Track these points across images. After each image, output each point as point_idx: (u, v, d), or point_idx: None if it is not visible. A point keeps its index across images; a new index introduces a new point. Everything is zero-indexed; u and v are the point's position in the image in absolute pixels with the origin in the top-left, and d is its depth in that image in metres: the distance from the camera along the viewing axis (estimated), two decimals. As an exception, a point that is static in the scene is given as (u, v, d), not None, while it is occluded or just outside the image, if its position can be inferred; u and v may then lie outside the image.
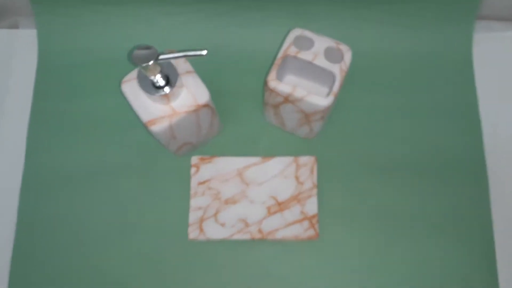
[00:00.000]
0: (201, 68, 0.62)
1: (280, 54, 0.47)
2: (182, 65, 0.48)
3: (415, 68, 0.61)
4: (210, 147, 0.59)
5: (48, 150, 0.59)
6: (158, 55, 0.42)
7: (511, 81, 0.61)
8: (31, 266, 0.55)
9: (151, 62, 0.41)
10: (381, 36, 0.61)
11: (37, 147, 0.59)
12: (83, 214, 0.57)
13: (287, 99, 0.48)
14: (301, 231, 0.55)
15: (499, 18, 0.63)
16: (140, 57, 0.41)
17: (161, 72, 0.44)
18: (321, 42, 0.47)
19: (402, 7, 0.59)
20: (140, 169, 0.58)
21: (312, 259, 0.55)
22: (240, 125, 0.60)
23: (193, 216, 0.56)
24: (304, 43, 0.48)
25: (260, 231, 0.55)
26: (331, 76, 0.49)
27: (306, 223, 0.56)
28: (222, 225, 0.56)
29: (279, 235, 0.55)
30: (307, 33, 0.47)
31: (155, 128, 0.47)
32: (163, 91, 0.45)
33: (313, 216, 0.56)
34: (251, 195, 0.57)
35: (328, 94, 0.47)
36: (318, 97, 0.46)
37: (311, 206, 0.56)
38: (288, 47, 0.47)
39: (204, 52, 0.42)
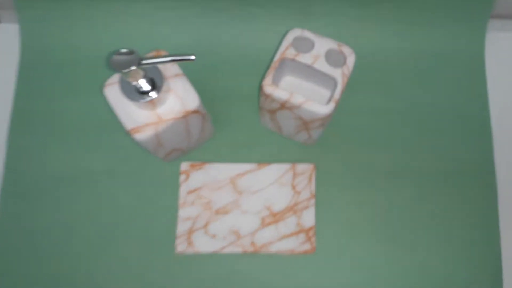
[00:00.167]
0: (193, 68, 0.58)
1: (277, 57, 0.43)
2: (169, 68, 0.44)
3: (421, 70, 0.57)
4: (201, 152, 0.55)
5: (29, 153, 0.55)
6: (140, 60, 0.37)
7: (524, 85, 0.57)
8: (11, 274, 0.51)
9: (132, 68, 0.37)
10: (386, 35, 0.57)
11: (18, 150, 0.55)
12: (65, 223, 0.53)
13: (284, 105, 0.44)
14: (297, 244, 0.52)
15: (514, 16, 0.59)
16: (119, 63, 0.37)
17: (145, 76, 0.40)
18: (322, 44, 0.43)
19: (409, 4, 0.54)
20: (126, 175, 0.54)
21: (308, 275, 0.51)
22: (234, 129, 0.55)
23: (181, 227, 0.52)
24: (303, 45, 0.43)
25: (253, 244, 0.52)
26: (332, 80, 0.45)
27: (302, 236, 0.52)
28: (213, 237, 0.52)
29: (273, 248, 0.52)
30: (307, 34, 0.43)
31: (140, 136, 0.43)
32: (148, 97, 0.41)
33: (310, 229, 0.52)
34: (244, 205, 0.53)
35: (329, 100, 0.43)
36: (318, 104, 0.42)
37: (308, 218, 0.52)
38: (286, 49, 0.43)
39: (193, 57, 0.38)
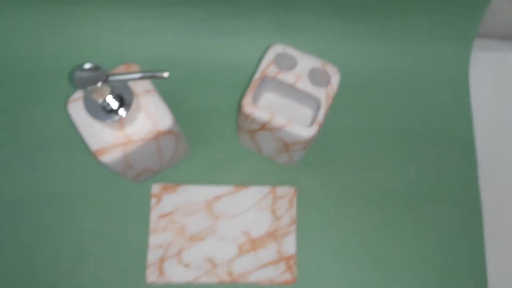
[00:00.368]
0: (166, 82, 0.54)
1: (257, 75, 0.40)
2: (140, 83, 0.41)
3: (406, 90, 0.55)
4: (175, 173, 0.51)
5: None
6: (107, 76, 0.34)
7: (510, 105, 0.56)
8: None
9: (98, 85, 0.33)
10: (371, 54, 0.55)
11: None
12: (23, 251, 0.48)
13: (265, 126, 0.41)
14: (277, 274, 0.48)
15: (500, 37, 0.57)
16: (83, 80, 0.33)
17: (112, 93, 0.36)
18: (306, 62, 0.40)
19: (394, 22, 0.53)
20: (91, 198, 0.50)
21: (289, 306, 0.48)
22: (211, 149, 0.52)
23: (152, 255, 0.48)
24: (285, 62, 0.41)
25: (230, 273, 0.48)
26: (315, 100, 0.43)
27: (282, 265, 0.49)
28: (186, 266, 0.48)
29: (252, 278, 0.48)
30: (290, 51, 0.40)
31: (106, 158, 0.39)
32: (116, 115, 0.37)
33: (291, 257, 0.49)
34: (221, 231, 0.49)
35: (312, 122, 0.40)
36: (300, 127, 0.39)
37: (289, 245, 0.49)
38: (267, 66, 0.40)
39: (166, 74, 0.35)
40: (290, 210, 0.50)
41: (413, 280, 0.49)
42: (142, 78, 0.35)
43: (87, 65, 0.34)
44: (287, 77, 0.40)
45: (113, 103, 0.37)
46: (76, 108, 0.40)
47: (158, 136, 0.40)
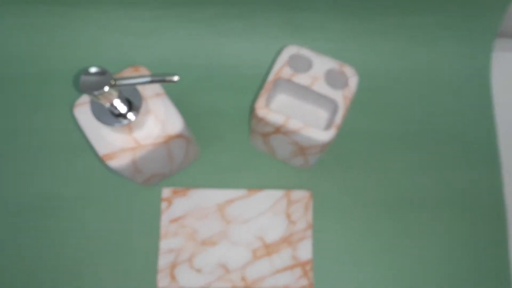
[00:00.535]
0: (177, 85, 0.52)
1: (271, 77, 0.38)
2: (149, 86, 0.39)
3: (425, 91, 0.53)
4: (185, 176, 0.50)
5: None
6: (114, 80, 0.32)
7: (536, 104, 0.53)
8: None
9: (105, 89, 0.32)
10: (387, 54, 0.52)
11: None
12: (30, 257, 0.47)
13: (279, 130, 0.39)
14: (293, 280, 0.47)
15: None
16: (89, 85, 0.32)
17: (120, 96, 0.35)
18: (321, 63, 0.38)
19: (412, 21, 0.50)
20: (99, 202, 0.49)
21: (304, 314, 0.47)
22: (222, 152, 0.50)
23: (163, 261, 0.47)
24: (300, 64, 0.39)
25: (243, 279, 0.47)
26: (332, 103, 0.40)
27: (298, 271, 0.47)
28: (198, 271, 0.47)
29: (266, 284, 0.47)
30: (305, 52, 0.38)
31: (114, 163, 0.38)
32: (124, 120, 0.36)
33: (307, 262, 0.47)
34: (234, 236, 0.48)
35: (328, 125, 0.39)
36: (317, 130, 0.38)
37: (305, 250, 0.48)
38: (281, 68, 0.38)
39: (176, 78, 0.33)
40: (306, 214, 0.48)
41: (432, 285, 0.47)
42: (151, 82, 0.34)
43: (93, 69, 0.32)
44: (303, 79, 0.38)
45: (121, 107, 0.35)
46: (83, 112, 0.39)
47: (168, 141, 0.39)
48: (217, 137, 0.51)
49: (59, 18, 0.50)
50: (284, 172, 0.50)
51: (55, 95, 0.52)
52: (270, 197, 0.49)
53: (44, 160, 0.50)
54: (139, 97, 0.36)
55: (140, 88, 0.39)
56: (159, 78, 0.34)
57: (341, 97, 0.38)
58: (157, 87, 0.39)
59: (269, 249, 0.48)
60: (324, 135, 0.38)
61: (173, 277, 0.47)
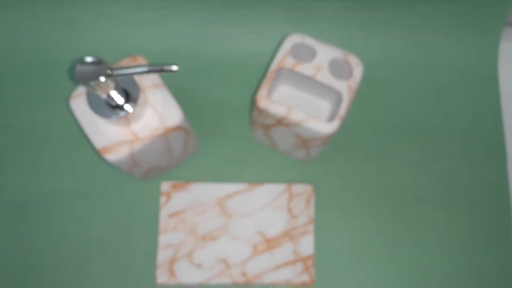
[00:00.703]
0: (176, 75, 0.51)
1: (273, 66, 0.37)
2: (147, 77, 0.38)
3: (431, 82, 0.52)
4: (185, 170, 0.49)
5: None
6: (110, 70, 0.31)
7: (542, 96, 0.52)
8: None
9: (100, 80, 0.31)
10: (393, 44, 0.51)
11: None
12: (30, 252, 0.46)
13: (281, 122, 0.38)
14: (294, 275, 0.46)
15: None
16: (85, 75, 0.30)
17: (117, 87, 0.34)
18: (326, 53, 0.37)
19: (417, 10, 0.49)
20: (98, 196, 0.48)
21: (306, 310, 0.46)
22: (222, 144, 0.49)
23: (162, 256, 0.46)
24: (303, 53, 0.37)
25: (244, 274, 0.46)
26: (336, 93, 0.39)
27: (299, 266, 0.46)
28: (198, 266, 0.46)
29: (267, 279, 0.46)
30: (308, 41, 0.37)
31: (111, 157, 0.37)
32: (121, 112, 0.34)
33: (309, 258, 0.46)
34: (234, 230, 0.47)
35: (332, 116, 0.37)
36: (320, 122, 0.36)
37: (306, 245, 0.47)
38: (284, 58, 0.37)
39: (175, 68, 0.32)
40: (308, 209, 0.47)
41: (435, 283, 0.47)
42: (148, 72, 0.33)
43: (89, 58, 0.31)
44: (306, 69, 0.37)
45: (118, 99, 0.34)
46: (79, 104, 0.37)
47: (167, 133, 0.38)
48: (218, 130, 0.49)
49: (60, 8, 0.49)
50: (285, 165, 0.49)
51: (53, 86, 0.50)
52: (271, 191, 0.48)
53: (41, 154, 0.49)
54: (137, 88, 0.35)
55: (138, 79, 0.38)
56: (157, 68, 0.33)
57: (346, 88, 0.37)
58: (155, 78, 0.38)
59: (270, 244, 0.47)
60: (327, 127, 0.37)
61: (172, 273, 0.46)
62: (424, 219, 0.48)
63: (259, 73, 0.51)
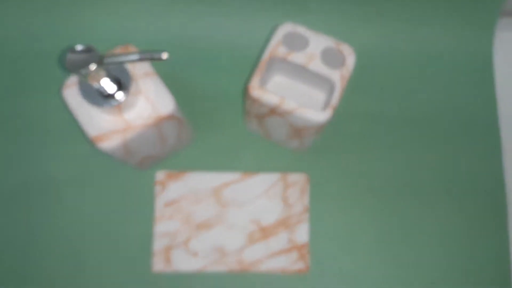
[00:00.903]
0: (168, 65, 0.51)
1: (265, 55, 0.37)
2: (138, 66, 0.38)
3: (425, 72, 0.51)
4: (180, 159, 0.49)
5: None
6: (101, 58, 0.31)
7: (540, 85, 0.52)
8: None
9: (91, 68, 0.31)
10: (387, 33, 0.50)
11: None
12: (25, 240, 0.47)
13: (274, 111, 0.38)
14: (289, 263, 0.46)
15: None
16: (75, 63, 0.30)
17: (109, 76, 0.34)
18: (318, 42, 0.37)
19: (413, 1, 0.48)
20: (93, 185, 0.48)
21: (300, 297, 0.46)
22: (217, 134, 0.49)
23: (158, 244, 0.46)
24: (296, 42, 0.37)
25: (239, 262, 0.46)
26: (328, 82, 0.39)
27: (294, 254, 0.46)
28: (194, 255, 0.46)
29: (263, 267, 0.46)
30: (300, 30, 0.37)
31: (104, 145, 0.37)
32: (113, 101, 0.35)
33: (303, 246, 0.47)
34: (230, 219, 0.47)
35: (325, 105, 0.37)
36: (312, 111, 0.36)
37: (301, 234, 0.47)
38: (276, 47, 0.37)
39: (165, 56, 0.32)
40: (302, 198, 0.47)
41: (428, 272, 0.47)
42: (139, 60, 0.33)
43: (79, 47, 0.31)
44: (298, 58, 0.37)
45: (110, 88, 0.34)
46: (72, 94, 0.37)
47: (159, 122, 0.38)
48: (212, 120, 0.50)
49: None
50: (280, 155, 0.49)
51: (46, 75, 0.50)
52: (266, 180, 0.48)
53: (36, 143, 0.49)
54: (129, 77, 0.35)
55: (129, 68, 0.38)
56: (147, 55, 0.33)
57: (338, 77, 0.37)
58: (147, 67, 0.38)
59: (265, 232, 0.47)
60: (319, 116, 0.37)
61: (168, 261, 0.46)
62: (418, 208, 0.48)
63: (251, 62, 0.51)
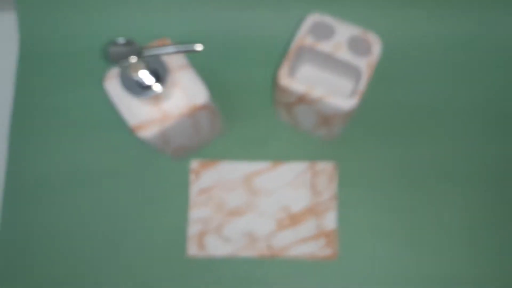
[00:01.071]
0: (201, 58, 0.53)
1: (294, 45, 0.39)
2: (174, 59, 0.40)
3: (456, 61, 0.51)
4: (213, 149, 0.51)
5: (31, 150, 0.52)
6: (140, 50, 0.34)
7: None
8: (12, 275, 0.49)
9: (131, 59, 0.33)
10: (415, 20, 0.51)
11: (20, 148, 0.52)
12: (68, 226, 0.50)
13: (302, 99, 0.40)
14: (317, 249, 0.48)
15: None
16: (117, 55, 0.33)
17: (147, 68, 0.36)
18: (344, 31, 0.38)
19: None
20: (130, 175, 0.51)
21: (329, 282, 0.47)
22: (248, 124, 0.51)
23: (192, 230, 0.49)
24: (323, 31, 0.39)
25: (269, 247, 0.48)
26: (355, 71, 0.41)
27: (322, 240, 0.48)
28: (226, 240, 0.49)
29: (291, 252, 0.48)
30: (327, 20, 0.38)
31: (144, 134, 0.40)
32: (152, 91, 0.37)
33: (331, 232, 0.48)
34: (260, 206, 0.49)
35: (352, 93, 0.39)
36: (340, 98, 0.38)
37: (329, 221, 0.48)
38: (304, 36, 0.39)
39: (199, 48, 0.34)
40: (330, 185, 0.49)
41: (456, 260, 0.47)
42: (176, 52, 0.35)
43: (120, 40, 0.34)
44: (325, 46, 0.38)
45: (149, 79, 0.37)
46: (113, 85, 0.40)
47: (194, 112, 0.40)
48: (242, 110, 0.52)
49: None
50: (308, 144, 0.50)
51: (85, 71, 0.54)
52: (295, 169, 0.50)
53: (76, 135, 0.52)
54: (166, 69, 0.38)
55: (166, 60, 0.40)
56: (183, 48, 0.35)
57: (364, 65, 0.38)
58: (182, 60, 0.40)
59: (294, 219, 0.49)
60: (346, 103, 0.38)
61: (201, 246, 0.48)
62: (446, 196, 0.49)
63: (279, 53, 0.52)
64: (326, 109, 0.40)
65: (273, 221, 0.49)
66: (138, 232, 0.49)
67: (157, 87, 0.37)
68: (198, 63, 0.53)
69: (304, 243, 0.48)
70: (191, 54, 0.53)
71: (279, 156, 0.50)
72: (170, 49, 0.35)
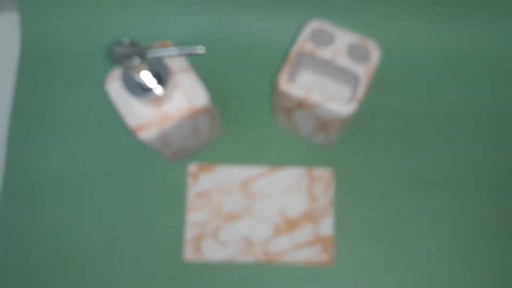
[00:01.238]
0: (202, 62, 0.54)
1: (294, 51, 0.39)
2: (176, 62, 0.41)
3: (452, 68, 0.52)
4: (211, 153, 0.51)
5: (31, 152, 0.52)
6: (144, 51, 0.34)
7: None
8: (9, 275, 0.49)
9: (135, 60, 0.34)
10: (413, 28, 0.52)
11: (19, 147, 0.52)
12: (65, 228, 0.50)
13: (301, 104, 0.40)
14: (313, 254, 0.48)
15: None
16: (121, 55, 0.34)
17: (149, 69, 0.37)
18: (344, 38, 0.39)
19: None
20: (129, 176, 0.51)
21: (325, 288, 0.48)
22: (246, 129, 0.52)
23: (189, 233, 0.49)
24: (323, 38, 0.40)
25: (266, 252, 0.48)
26: (354, 77, 0.41)
27: (319, 246, 0.48)
28: (222, 244, 0.49)
29: (288, 258, 0.48)
30: (327, 27, 0.39)
31: (144, 135, 0.40)
32: (153, 93, 0.38)
33: (328, 238, 0.48)
34: (257, 211, 0.49)
35: (350, 99, 0.39)
36: (338, 104, 0.38)
37: (326, 227, 0.49)
38: (304, 43, 0.39)
39: (202, 51, 0.35)
40: (327, 191, 0.49)
41: (453, 266, 0.47)
42: (178, 54, 0.35)
43: (125, 41, 0.34)
44: (325, 53, 0.39)
45: (151, 81, 0.37)
46: (114, 86, 0.41)
47: (194, 114, 0.41)
48: (241, 115, 0.52)
49: (92, 1, 0.53)
50: (306, 150, 0.51)
51: (85, 73, 0.54)
52: (292, 174, 0.50)
53: (75, 136, 0.52)
54: (167, 71, 0.38)
55: (168, 63, 0.41)
56: (185, 50, 0.35)
57: (363, 71, 0.39)
58: (183, 63, 0.41)
59: (291, 224, 0.49)
60: (345, 109, 0.39)
61: (198, 249, 0.48)
62: (443, 203, 0.49)
63: (279, 59, 0.53)
64: (325, 115, 0.40)
65: (270, 226, 0.49)
66: (134, 235, 0.49)
67: (158, 89, 0.38)
68: (199, 66, 0.54)
69: (300, 248, 0.48)
70: (192, 58, 0.53)
71: (277, 161, 0.51)
72: (173, 51, 0.36)
